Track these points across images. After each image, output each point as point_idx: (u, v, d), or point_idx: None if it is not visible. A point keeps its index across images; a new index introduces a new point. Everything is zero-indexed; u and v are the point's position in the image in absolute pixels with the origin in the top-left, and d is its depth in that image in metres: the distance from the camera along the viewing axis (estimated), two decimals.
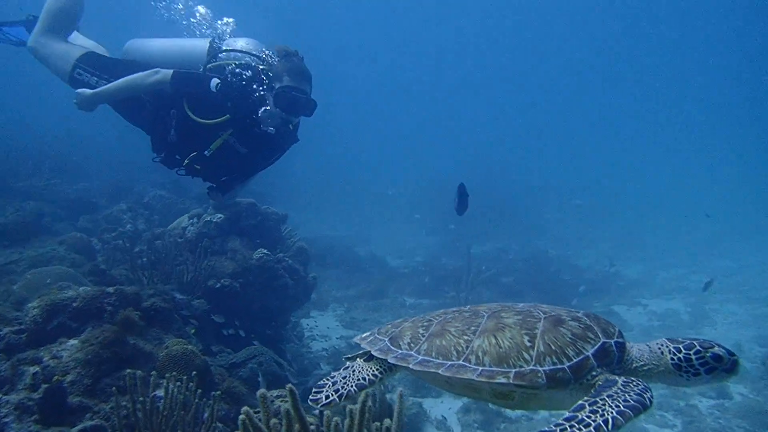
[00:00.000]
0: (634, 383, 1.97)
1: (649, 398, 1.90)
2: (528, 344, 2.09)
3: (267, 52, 5.11)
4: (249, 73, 4.89)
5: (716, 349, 2.06)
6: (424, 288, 14.80)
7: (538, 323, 2.16)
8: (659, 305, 14.34)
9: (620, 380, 1.99)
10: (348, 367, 2.45)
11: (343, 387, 2.33)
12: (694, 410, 7.71)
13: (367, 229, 24.79)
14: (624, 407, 1.84)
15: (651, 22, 39.86)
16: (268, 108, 4.78)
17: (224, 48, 5.32)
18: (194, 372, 3.13)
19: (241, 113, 4.83)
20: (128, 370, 2.87)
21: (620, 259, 20.22)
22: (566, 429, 1.83)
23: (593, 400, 1.91)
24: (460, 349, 2.18)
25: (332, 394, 2.32)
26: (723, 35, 38.76)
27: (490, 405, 7.38)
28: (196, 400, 2.99)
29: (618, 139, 54.14)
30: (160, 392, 3.08)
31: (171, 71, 4.94)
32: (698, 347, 2.06)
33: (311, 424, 2.28)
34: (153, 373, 2.98)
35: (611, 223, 27.24)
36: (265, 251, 6.99)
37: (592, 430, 1.79)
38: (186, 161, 5.03)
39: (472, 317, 2.30)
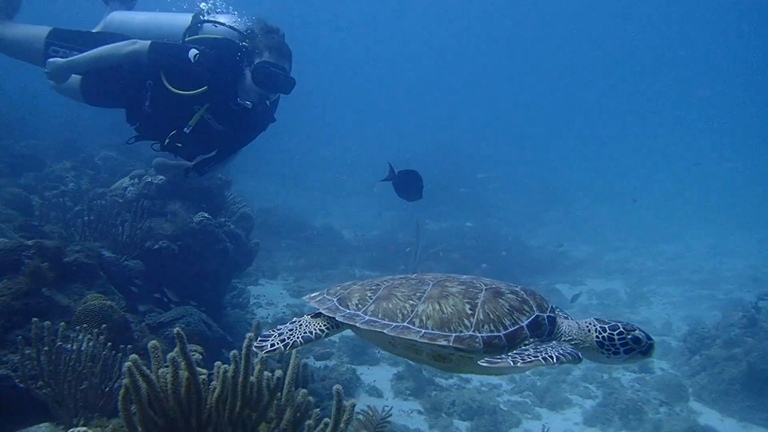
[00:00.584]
0: (565, 344, 2.19)
1: (578, 355, 2.12)
2: (469, 312, 2.23)
3: (248, 27, 5.04)
4: (228, 45, 4.82)
5: (637, 332, 2.22)
6: (374, 261, 14.98)
7: (480, 294, 2.30)
8: (601, 285, 14.87)
9: (554, 342, 2.21)
10: (294, 321, 2.54)
11: (289, 338, 2.45)
12: (616, 383, 8.12)
13: (327, 203, 24.77)
14: (562, 352, 2.07)
15: None
16: (246, 82, 4.74)
17: (206, 19, 5.22)
18: (106, 325, 3.17)
19: (219, 85, 4.73)
20: (34, 319, 2.90)
21: (571, 241, 20.79)
22: (515, 358, 2.05)
23: (535, 347, 2.14)
24: (405, 312, 2.30)
25: (278, 343, 2.43)
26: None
27: (424, 372, 7.61)
28: (105, 352, 3.04)
29: (582, 126, 54.97)
30: (72, 345, 3.11)
31: (149, 42, 4.81)
32: (621, 329, 2.22)
33: (201, 373, 2.37)
34: (61, 323, 3.01)
35: (568, 206, 27.85)
36: (206, 215, 6.96)
37: (541, 359, 2.02)
38: (167, 140, 4.92)
39: (418, 284, 2.41)
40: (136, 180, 7.33)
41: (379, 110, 54.00)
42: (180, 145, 4.98)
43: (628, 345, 2.19)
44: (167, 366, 2.21)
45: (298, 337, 2.44)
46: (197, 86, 4.68)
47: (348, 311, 2.42)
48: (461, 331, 2.17)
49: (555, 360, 2.04)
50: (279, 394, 2.47)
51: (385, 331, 2.25)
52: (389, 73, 59.32)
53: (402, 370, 7.76)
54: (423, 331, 2.20)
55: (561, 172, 36.97)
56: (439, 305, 2.26)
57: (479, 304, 2.24)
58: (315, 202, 24.94)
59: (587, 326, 2.27)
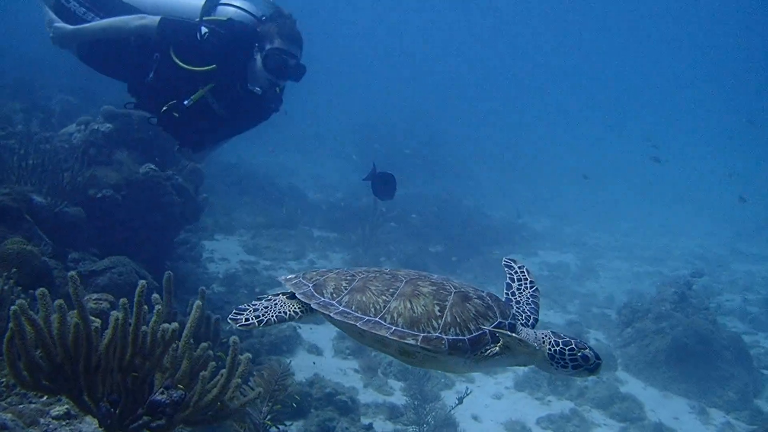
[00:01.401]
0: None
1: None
2: (438, 314, 2.34)
3: (262, 11, 4.93)
4: (241, 28, 4.76)
5: (587, 351, 2.32)
6: (334, 223, 15.02)
7: (449, 296, 2.40)
8: (554, 257, 15.23)
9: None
10: (270, 299, 2.61)
11: (263, 315, 2.51)
12: None
13: (296, 162, 24.59)
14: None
15: None
16: (256, 67, 4.68)
17: (221, 2, 5.07)
18: (16, 270, 3.18)
19: (228, 65, 4.67)
20: None
21: (533, 214, 21.17)
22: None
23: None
24: (378, 307, 2.39)
25: (252, 319, 2.50)
26: None
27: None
28: (13, 296, 3.06)
29: (556, 102, 55.15)
30: None
31: (159, 17, 4.74)
32: (573, 346, 2.32)
33: (93, 321, 2.41)
34: None
35: (535, 180, 28.18)
36: (152, 166, 6.90)
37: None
38: (164, 108, 4.81)
39: (391, 280, 2.49)
40: (83, 127, 7.20)
41: (357, 78, 53.33)
42: (176, 115, 4.86)
43: (577, 362, 2.30)
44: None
45: (272, 316, 2.51)
46: (205, 63, 4.61)
47: (322, 299, 2.49)
48: (429, 332, 2.29)
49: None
50: (175, 345, 2.53)
51: (357, 324, 2.34)
52: (368, 41, 58.45)
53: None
54: (393, 328, 2.30)
55: (533, 146, 37.28)
56: (411, 304, 2.36)
57: (448, 307, 2.35)
58: (283, 160, 24.75)
59: (543, 337, 2.39)
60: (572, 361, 2.30)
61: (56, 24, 4.85)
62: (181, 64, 4.62)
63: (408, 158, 23.87)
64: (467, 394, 5.97)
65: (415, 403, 5.73)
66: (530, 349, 2.30)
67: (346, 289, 2.49)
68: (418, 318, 2.32)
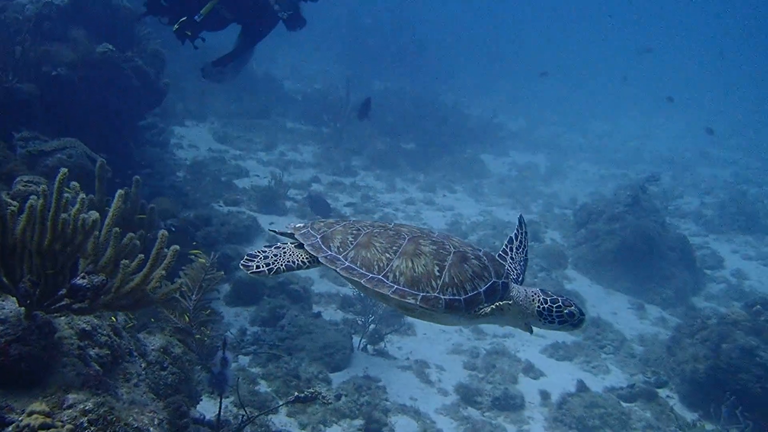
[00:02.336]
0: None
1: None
2: (437, 274, 2.49)
3: None
4: None
5: (572, 308, 2.50)
6: (307, 114, 14.81)
7: (448, 257, 2.55)
8: (524, 157, 15.34)
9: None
10: (279, 247, 2.72)
11: (273, 263, 2.63)
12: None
13: (275, 49, 23.65)
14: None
15: None
16: None
17: None
18: None
19: None
20: None
21: (510, 113, 20.99)
22: None
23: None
24: (381, 264, 2.53)
25: (263, 266, 2.63)
26: None
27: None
28: None
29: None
30: None
31: None
32: (560, 303, 2.50)
33: (11, 204, 2.45)
34: None
35: (516, 79, 27.62)
36: (110, 46, 6.65)
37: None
38: (176, 26, 4.68)
39: (394, 237, 2.62)
40: None
41: None
42: (189, 33, 4.76)
43: (563, 317, 2.49)
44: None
45: (281, 264, 2.63)
46: None
47: (330, 253, 2.60)
48: (428, 292, 2.45)
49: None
50: (97, 233, 2.60)
51: (362, 281, 2.50)
52: None
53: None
54: (395, 287, 2.47)
55: (516, 44, 36.13)
56: (412, 263, 2.51)
57: (447, 267, 2.51)
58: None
59: (533, 295, 2.56)
60: (558, 317, 2.49)
61: None
62: None
63: (395, 54, 23.21)
64: None
65: (362, 295, 5.97)
66: (520, 309, 2.53)
67: (351, 244, 2.61)
68: (419, 278, 2.48)
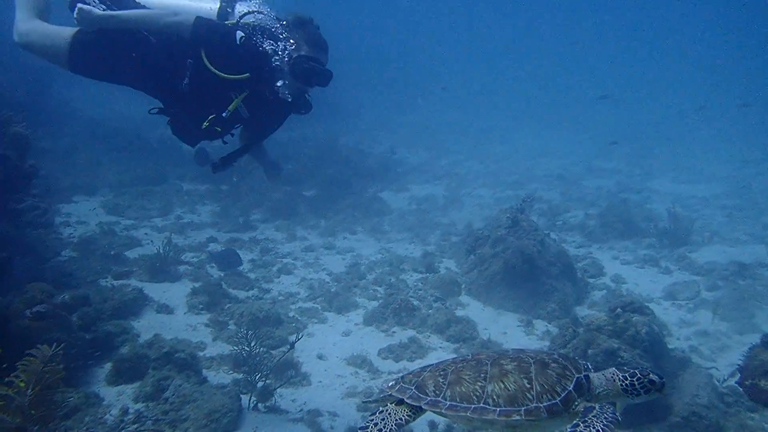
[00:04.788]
0: (606, 407, 2.71)
1: (618, 417, 2.67)
2: (527, 386, 2.75)
3: (281, 18, 4.69)
4: (272, 35, 4.57)
5: (651, 375, 2.77)
6: (206, 174, 14.65)
7: (531, 367, 2.81)
8: (423, 190, 15.89)
9: (596, 406, 2.73)
10: (382, 411, 2.96)
11: (384, 426, 2.87)
12: (402, 284, 9.05)
13: None
14: (606, 423, 2.61)
15: None
16: (284, 74, 4.54)
17: (240, 11, 4.73)
18: None
19: (262, 73, 4.49)
20: None
21: (410, 147, 21.71)
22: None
23: (584, 419, 2.66)
24: (478, 394, 2.77)
25: None
26: None
27: (224, 285, 7.96)
28: None
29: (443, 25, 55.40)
30: None
31: (193, 16, 4.43)
32: (639, 375, 2.77)
33: None
34: None
35: (419, 112, 28.66)
36: None
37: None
38: (205, 124, 4.51)
39: (477, 365, 2.87)
40: None
41: None
42: (219, 129, 4.65)
43: (646, 387, 2.75)
44: None
45: (392, 425, 2.88)
46: (240, 71, 4.42)
47: (430, 398, 2.87)
48: (527, 405, 2.70)
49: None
50: None
51: (468, 414, 2.73)
52: None
53: (198, 286, 8.05)
54: (498, 409, 2.71)
55: (422, 74, 37.56)
56: (504, 384, 2.77)
57: (533, 377, 2.77)
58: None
59: (612, 376, 2.83)
60: (642, 389, 2.76)
61: (84, 7, 4.37)
62: (216, 71, 4.39)
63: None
64: (298, 339, 6.38)
65: (253, 350, 6.01)
66: (609, 393, 2.80)
67: (444, 384, 2.86)
68: (514, 395, 2.73)
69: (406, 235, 12.08)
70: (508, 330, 7.86)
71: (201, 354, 6.53)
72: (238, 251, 10.04)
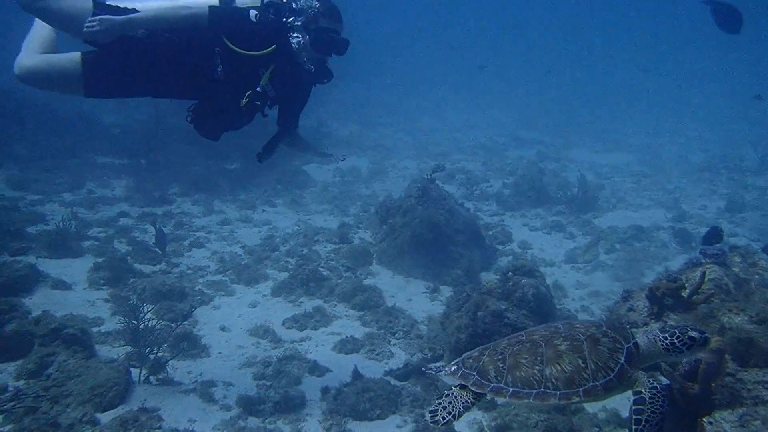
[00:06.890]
0: (659, 391, 2.79)
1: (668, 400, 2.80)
2: (582, 365, 2.82)
3: None
4: (284, 8, 4.67)
5: (690, 332, 2.81)
6: (124, 148, 14.20)
7: (583, 345, 2.88)
8: (349, 162, 15.84)
9: (647, 381, 2.82)
10: (448, 395, 3.04)
11: (453, 409, 2.97)
12: (314, 254, 9.12)
13: None
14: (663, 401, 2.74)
15: None
16: (303, 46, 4.64)
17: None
18: None
19: (285, 45, 4.58)
20: None
21: (341, 120, 21.59)
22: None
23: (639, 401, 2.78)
24: (537, 378, 2.86)
25: (447, 416, 2.95)
26: None
27: (129, 260, 7.79)
28: None
29: None
30: None
31: (206, 5, 4.42)
32: (678, 334, 2.82)
33: None
34: None
35: (356, 84, 28.37)
36: None
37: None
38: (245, 100, 4.58)
39: (533, 348, 2.95)
40: None
41: None
42: (258, 103, 4.69)
43: (687, 344, 2.82)
44: None
45: (459, 408, 2.97)
46: (265, 46, 4.50)
47: (493, 384, 2.94)
48: (585, 385, 2.79)
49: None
50: None
51: (531, 400, 2.81)
52: None
53: (101, 261, 7.86)
54: (558, 392, 2.80)
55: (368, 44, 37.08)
56: (560, 365, 2.85)
57: (587, 356, 2.84)
58: None
59: (653, 338, 2.90)
60: (684, 345, 2.82)
61: (102, 17, 4.21)
62: (244, 51, 4.46)
63: None
64: (193, 310, 6.38)
65: (147, 324, 5.95)
66: (654, 355, 2.90)
67: (504, 369, 2.95)
68: (571, 376, 2.81)
69: (327, 206, 12.12)
70: (414, 297, 8.07)
71: (96, 330, 6.42)
72: (147, 226, 9.84)
